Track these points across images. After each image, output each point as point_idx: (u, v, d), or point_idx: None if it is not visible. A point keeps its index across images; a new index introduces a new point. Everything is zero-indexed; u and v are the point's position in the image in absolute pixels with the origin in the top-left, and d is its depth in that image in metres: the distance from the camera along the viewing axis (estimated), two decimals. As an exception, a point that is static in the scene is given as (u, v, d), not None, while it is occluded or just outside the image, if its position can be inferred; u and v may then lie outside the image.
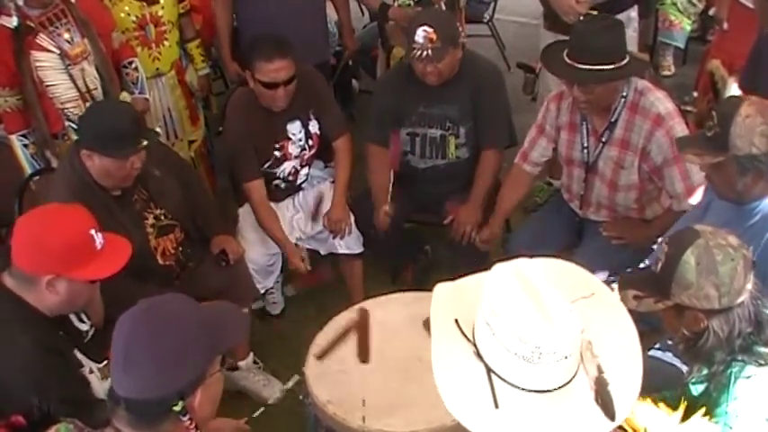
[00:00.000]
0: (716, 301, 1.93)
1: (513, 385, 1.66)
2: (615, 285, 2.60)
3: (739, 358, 1.96)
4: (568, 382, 1.68)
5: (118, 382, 1.68)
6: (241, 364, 3.51)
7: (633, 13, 3.89)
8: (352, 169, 3.78)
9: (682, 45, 5.61)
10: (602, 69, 2.93)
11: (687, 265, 1.94)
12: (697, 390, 2.03)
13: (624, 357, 1.77)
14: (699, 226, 2.03)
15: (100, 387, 2.34)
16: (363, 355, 2.76)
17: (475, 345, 1.71)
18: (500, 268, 1.70)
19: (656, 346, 2.61)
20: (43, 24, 3.38)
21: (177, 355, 1.66)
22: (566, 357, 1.63)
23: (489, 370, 1.68)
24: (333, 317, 2.94)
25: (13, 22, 3.33)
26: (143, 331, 1.68)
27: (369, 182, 3.81)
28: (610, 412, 1.67)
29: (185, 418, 1.68)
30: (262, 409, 2.76)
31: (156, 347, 1.65)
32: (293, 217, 3.70)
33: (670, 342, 2.52)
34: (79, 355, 2.35)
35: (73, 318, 2.44)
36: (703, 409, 1.91)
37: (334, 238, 3.72)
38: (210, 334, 1.73)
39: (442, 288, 1.87)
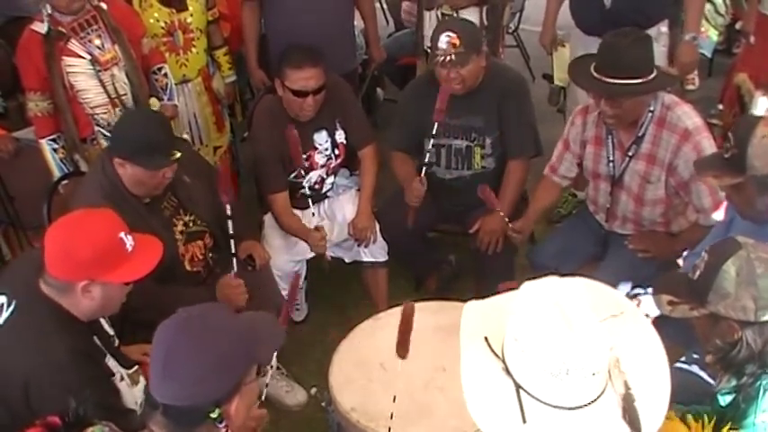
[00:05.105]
0: (752, 313, 1.90)
1: (541, 401, 1.67)
2: (642, 297, 2.62)
3: None
4: (596, 399, 1.68)
5: (156, 388, 1.70)
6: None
7: (663, 27, 3.86)
8: (378, 178, 3.80)
9: (708, 54, 5.57)
10: (631, 83, 2.92)
11: (727, 275, 1.91)
12: (725, 400, 2.01)
13: (652, 375, 1.77)
14: (741, 238, 1.99)
15: (129, 394, 2.36)
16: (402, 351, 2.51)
17: (504, 361, 1.73)
18: (529, 286, 1.71)
19: (682, 359, 2.61)
20: (75, 30, 3.43)
21: (215, 365, 1.68)
22: (594, 374, 1.64)
23: (518, 386, 1.69)
24: (356, 324, 2.93)
25: (43, 27, 3.38)
26: (182, 340, 1.70)
27: (393, 189, 3.82)
28: (636, 429, 1.67)
29: (221, 426, 1.71)
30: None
31: (195, 357, 1.67)
32: (318, 225, 3.72)
33: (695, 356, 2.52)
34: (111, 362, 2.36)
35: (103, 321, 2.46)
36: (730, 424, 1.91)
37: (359, 246, 3.74)
38: (247, 343, 1.75)
39: (471, 306, 1.89)
